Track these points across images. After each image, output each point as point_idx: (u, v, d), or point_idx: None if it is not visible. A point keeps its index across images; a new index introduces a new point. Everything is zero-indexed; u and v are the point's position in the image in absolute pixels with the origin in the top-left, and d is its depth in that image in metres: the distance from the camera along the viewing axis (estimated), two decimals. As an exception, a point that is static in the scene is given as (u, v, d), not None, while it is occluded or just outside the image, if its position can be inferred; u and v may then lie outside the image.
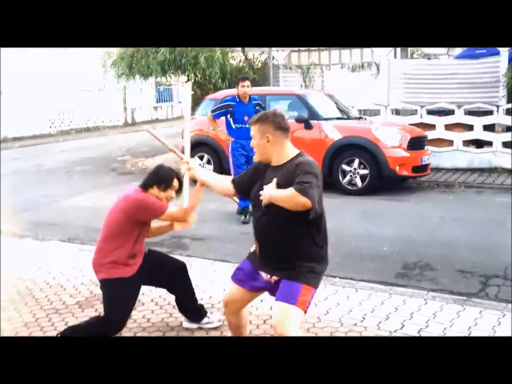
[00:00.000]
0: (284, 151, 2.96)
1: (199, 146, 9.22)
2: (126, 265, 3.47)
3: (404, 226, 6.70)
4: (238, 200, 3.61)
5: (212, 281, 4.82)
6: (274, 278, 3.01)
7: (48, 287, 4.76)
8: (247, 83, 6.98)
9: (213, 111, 7.35)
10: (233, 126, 7.12)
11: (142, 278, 3.59)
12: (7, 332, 3.85)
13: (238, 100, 7.02)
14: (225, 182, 3.26)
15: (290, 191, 2.72)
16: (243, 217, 6.95)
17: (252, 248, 3.16)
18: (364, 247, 5.86)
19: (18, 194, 9.14)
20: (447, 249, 5.70)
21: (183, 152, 3.56)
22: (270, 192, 2.82)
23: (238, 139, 7.03)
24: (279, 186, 2.82)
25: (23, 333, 3.84)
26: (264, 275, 3.06)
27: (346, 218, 7.09)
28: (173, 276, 3.77)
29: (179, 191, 3.59)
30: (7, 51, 17.17)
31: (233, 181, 3.20)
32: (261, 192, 2.87)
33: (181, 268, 3.81)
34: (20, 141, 17.71)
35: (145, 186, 3.55)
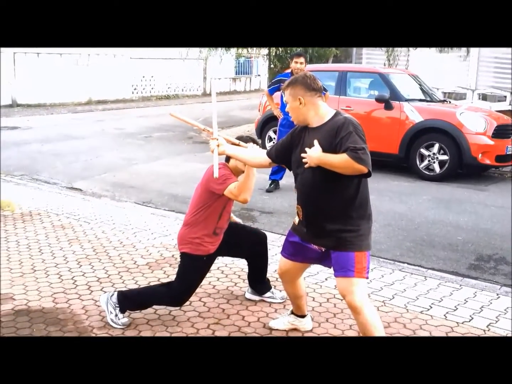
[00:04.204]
0: (320, 112, 2.92)
1: (274, 120, 9.20)
2: (210, 243, 3.49)
3: (481, 216, 6.43)
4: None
5: (278, 255, 4.83)
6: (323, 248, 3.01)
7: (122, 246, 4.96)
8: (301, 59, 6.97)
9: (268, 86, 7.62)
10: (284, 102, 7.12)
11: (222, 250, 3.63)
12: (80, 286, 4.06)
13: (291, 76, 6.94)
14: (259, 154, 3.25)
15: (345, 158, 2.68)
16: (268, 186, 7.32)
17: (296, 219, 3.13)
18: (437, 235, 5.68)
19: (100, 155, 9.53)
20: (526, 245, 5.43)
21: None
22: (318, 155, 2.79)
23: (286, 115, 6.99)
24: (321, 146, 2.79)
25: (96, 287, 4.04)
26: (313, 245, 3.06)
27: (419, 204, 6.89)
28: (254, 248, 3.80)
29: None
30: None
31: (269, 152, 3.18)
32: (304, 155, 2.85)
33: (263, 240, 3.85)
34: (104, 104, 18.40)
35: (226, 159, 3.57)
